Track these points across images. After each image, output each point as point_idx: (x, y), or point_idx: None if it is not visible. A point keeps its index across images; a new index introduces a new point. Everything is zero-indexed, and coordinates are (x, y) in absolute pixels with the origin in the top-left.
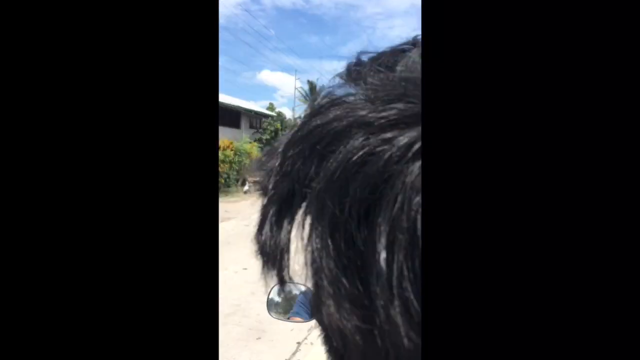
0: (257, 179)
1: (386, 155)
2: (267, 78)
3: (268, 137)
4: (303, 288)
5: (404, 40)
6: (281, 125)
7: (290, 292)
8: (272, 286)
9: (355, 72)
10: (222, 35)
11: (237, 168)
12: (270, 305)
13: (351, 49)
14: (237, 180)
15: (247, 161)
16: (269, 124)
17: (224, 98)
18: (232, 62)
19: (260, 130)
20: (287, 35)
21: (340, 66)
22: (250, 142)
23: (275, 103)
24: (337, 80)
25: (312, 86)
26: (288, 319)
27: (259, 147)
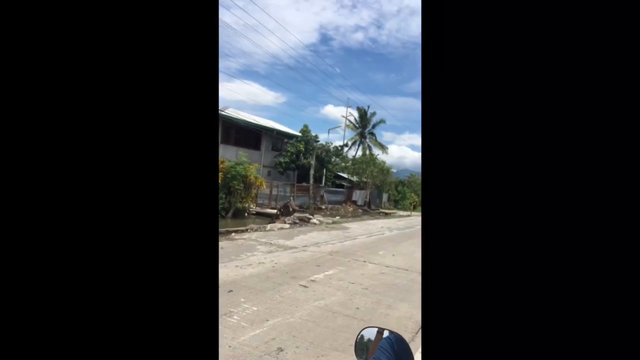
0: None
1: None
2: (330, 112)
3: (287, 159)
4: (387, 333)
5: None
6: (305, 147)
7: (376, 336)
8: (362, 329)
9: None
10: (290, 75)
11: (224, 193)
12: (358, 348)
13: (413, 85)
14: (224, 211)
15: (239, 187)
16: (292, 145)
17: (264, 122)
18: (298, 99)
19: (283, 152)
20: (353, 74)
21: (401, 101)
22: (249, 164)
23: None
24: None
25: (361, 113)
26: None
27: (279, 170)
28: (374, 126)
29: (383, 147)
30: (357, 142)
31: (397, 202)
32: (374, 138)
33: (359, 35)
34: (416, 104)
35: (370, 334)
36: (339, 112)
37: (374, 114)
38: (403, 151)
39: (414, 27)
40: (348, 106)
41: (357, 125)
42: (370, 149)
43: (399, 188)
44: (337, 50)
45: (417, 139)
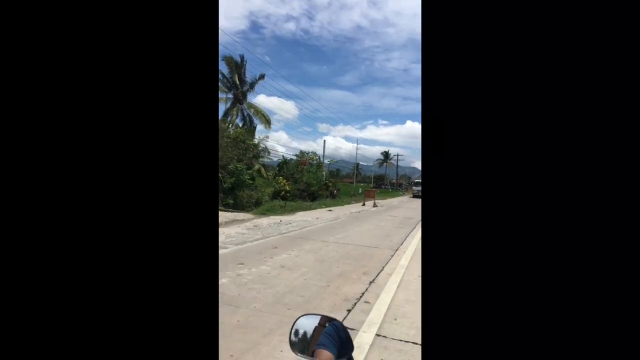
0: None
1: None
2: (262, 102)
3: None
4: (321, 320)
5: (401, 71)
6: None
7: (314, 325)
8: (295, 320)
9: None
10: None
11: None
12: (292, 341)
13: (348, 79)
14: None
15: None
16: None
17: None
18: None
19: None
20: (286, 64)
21: (336, 94)
22: None
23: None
24: None
25: (232, 64)
26: (313, 353)
27: None
28: (252, 85)
29: (267, 120)
30: (236, 112)
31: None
32: (252, 107)
33: (291, 25)
34: (350, 97)
35: (306, 323)
36: (271, 103)
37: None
38: (338, 142)
39: (345, 21)
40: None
41: (229, 83)
42: (250, 120)
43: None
44: (268, 39)
45: (350, 131)
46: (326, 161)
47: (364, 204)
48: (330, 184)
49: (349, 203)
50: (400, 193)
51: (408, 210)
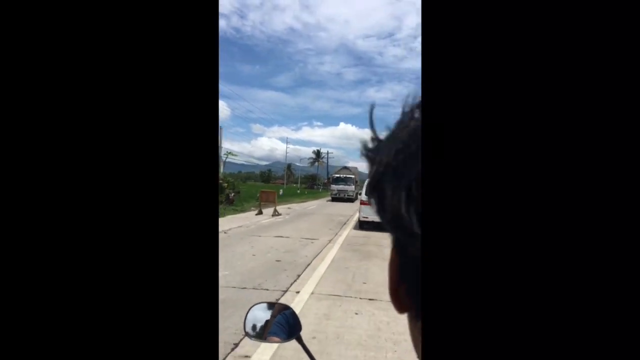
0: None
1: None
2: None
3: None
4: (277, 310)
5: (334, 75)
6: None
7: (268, 314)
8: (250, 307)
9: None
10: None
11: None
12: (248, 327)
13: (283, 80)
14: None
15: None
16: None
17: None
18: None
19: None
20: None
21: (270, 95)
22: None
23: None
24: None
25: None
26: (265, 339)
27: None
28: None
29: None
30: None
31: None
32: None
33: (222, 23)
34: (284, 99)
35: (259, 311)
36: None
37: None
38: (274, 143)
39: (278, 22)
40: None
41: None
42: None
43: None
44: None
45: (286, 132)
46: (222, 155)
47: (260, 212)
48: (227, 184)
49: (244, 210)
50: (329, 193)
51: (321, 222)
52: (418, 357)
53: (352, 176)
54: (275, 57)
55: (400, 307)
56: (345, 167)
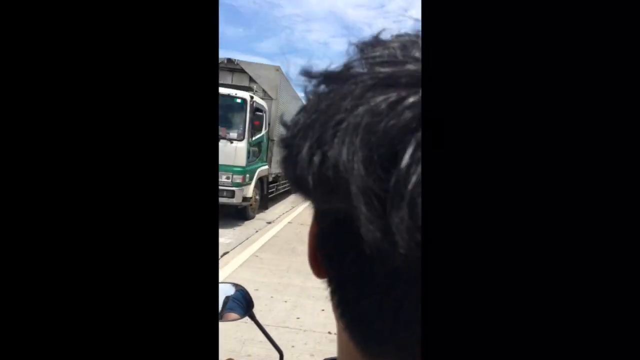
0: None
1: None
2: None
3: None
4: (232, 289)
5: (321, 44)
6: None
7: (222, 292)
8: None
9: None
10: None
11: None
12: None
13: (267, 46)
14: None
15: None
16: None
17: None
18: None
19: None
20: None
21: (255, 61)
22: None
23: None
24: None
25: None
26: (221, 317)
27: None
28: None
29: None
30: None
31: None
32: None
33: None
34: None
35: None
36: None
37: None
38: None
39: None
40: None
41: None
42: None
43: None
44: None
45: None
46: None
47: None
48: None
49: None
50: None
51: None
52: (336, 318)
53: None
54: (261, 19)
55: (317, 273)
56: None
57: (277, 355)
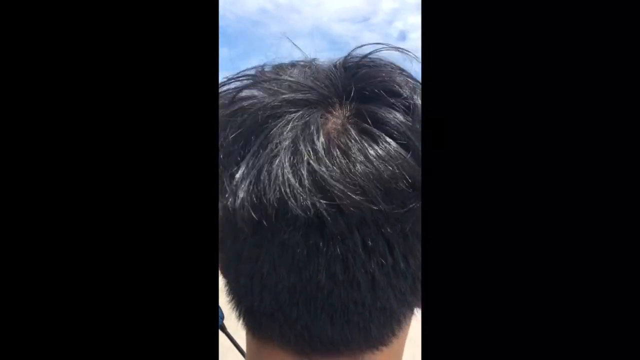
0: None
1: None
2: None
3: None
4: None
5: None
6: None
7: None
8: None
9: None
10: None
11: None
12: None
13: (253, 63)
14: None
15: None
16: None
17: None
18: None
19: None
20: None
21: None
22: None
23: None
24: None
25: None
26: None
27: None
28: None
29: None
30: None
31: None
32: None
33: None
34: None
35: None
36: None
37: None
38: None
39: (250, 3)
40: None
41: None
42: None
43: None
44: None
45: None
46: None
47: None
48: None
49: None
50: None
51: None
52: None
53: None
54: (246, 39)
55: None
56: None
57: None
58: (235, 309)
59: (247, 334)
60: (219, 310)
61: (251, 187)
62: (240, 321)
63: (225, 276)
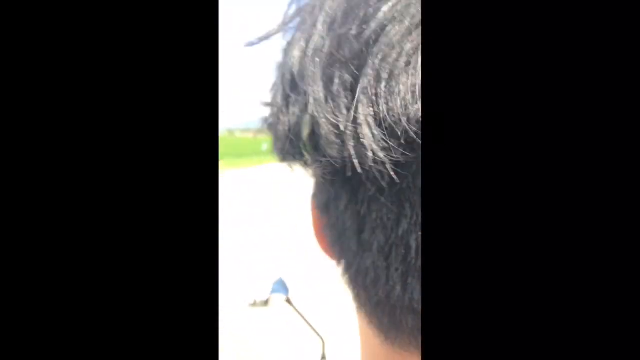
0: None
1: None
2: None
3: None
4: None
5: None
6: None
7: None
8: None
9: None
10: None
11: None
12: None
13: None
14: None
15: None
16: None
17: None
18: None
19: None
20: None
21: None
22: None
23: None
24: None
25: None
26: (266, 301)
27: None
28: None
29: None
30: None
31: None
32: None
33: None
34: None
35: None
36: None
37: None
38: None
39: None
40: None
41: None
42: None
43: None
44: None
45: None
46: None
47: None
48: None
49: None
50: None
51: None
52: (355, 308)
53: None
54: None
55: (324, 246)
56: None
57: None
58: (352, 293)
59: (369, 331)
60: (284, 284)
61: None
62: (357, 309)
63: (334, 243)
